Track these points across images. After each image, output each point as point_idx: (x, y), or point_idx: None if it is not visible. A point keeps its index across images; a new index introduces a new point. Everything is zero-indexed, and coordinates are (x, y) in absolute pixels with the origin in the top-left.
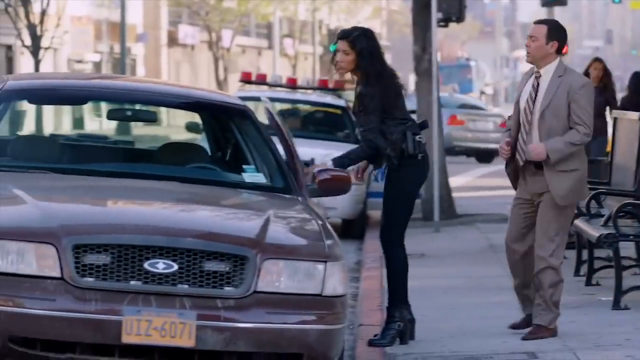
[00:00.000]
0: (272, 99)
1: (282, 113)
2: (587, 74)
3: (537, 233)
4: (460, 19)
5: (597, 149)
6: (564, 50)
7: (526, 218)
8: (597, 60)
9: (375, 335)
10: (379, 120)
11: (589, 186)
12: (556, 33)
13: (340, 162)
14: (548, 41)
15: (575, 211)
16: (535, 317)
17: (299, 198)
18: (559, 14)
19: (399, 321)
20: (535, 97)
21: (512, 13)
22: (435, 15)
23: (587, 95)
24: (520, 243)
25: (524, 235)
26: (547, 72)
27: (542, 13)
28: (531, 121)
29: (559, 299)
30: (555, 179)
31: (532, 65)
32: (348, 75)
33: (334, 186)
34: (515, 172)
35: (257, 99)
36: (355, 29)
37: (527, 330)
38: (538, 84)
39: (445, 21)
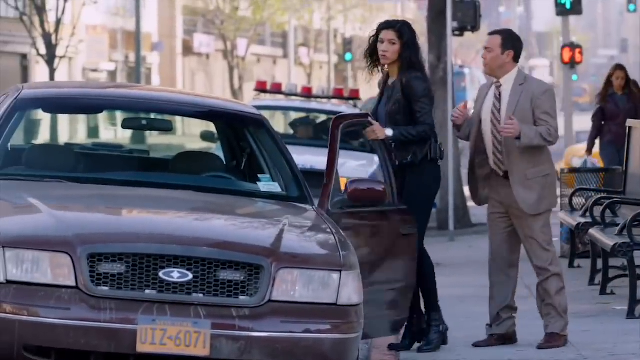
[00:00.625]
0: (288, 108)
1: (297, 122)
2: (609, 82)
3: (529, 247)
4: (475, 27)
5: None
6: (577, 59)
7: (505, 233)
8: (619, 68)
9: (400, 343)
10: (431, 104)
11: (604, 195)
12: (511, 42)
13: (400, 134)
14: (503, 51)
15: (590, 220)
16: (547, 325)
17: (314, 207)
18: (574, 23)
19: (440, 323)
20: (500, 107)
21: (527, 22)
22: (451, 24)
23: (549, 101)
24: (505, 259)
25: (508, 251)
26: (508, 81)
27: (557, 22)
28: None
29: (567, 305)
30: (521, 190)
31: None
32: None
33: (366, 198)
34: (476, 183)
35: (273, 108)
36: (397, 20)
37: (541, 341)
38: (500, 94)
39: (460, 30)
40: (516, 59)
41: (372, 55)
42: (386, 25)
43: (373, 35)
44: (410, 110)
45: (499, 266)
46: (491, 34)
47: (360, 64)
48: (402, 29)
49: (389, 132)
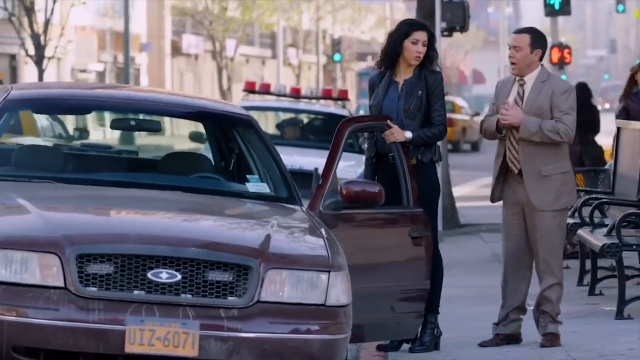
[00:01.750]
0: (276, 109)
1: (285, 122)
2: (633, 80)
3: (543, 247)
4: (464, 28)
5: None
6: (566, 60)
7: (521, 234)
8: None
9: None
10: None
11: (592, 196)
12: (539, 41)
13: (418, 137)
14: (532, 49)
15: (578, 220)
16: (545, 326)
17: (302, 208)
18: (562, 23)
19: (435, 327)
20: (522, 105)
21: (516, 22)
22: (439, 24)
23: (568, 100)
24: (522, 260)
25: (525, 253)
26: (531, 79)
27: (546, 22)
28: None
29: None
30: (534, 186)
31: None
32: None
33: (361, 199)
34: (495, 180)
35: (261, 109)
36: (423, 22)
37: (540, 341)
38: (523, 92)
39: (449, 31)
40: (542, 57)
41: (392, 52)
42: (421, 27)
43: (398, 34)
44: (429, 109)
45: (515, 268)
46: (518, 32)
47: (348, 65)
48: (431, 31)
49: (408, 134)
